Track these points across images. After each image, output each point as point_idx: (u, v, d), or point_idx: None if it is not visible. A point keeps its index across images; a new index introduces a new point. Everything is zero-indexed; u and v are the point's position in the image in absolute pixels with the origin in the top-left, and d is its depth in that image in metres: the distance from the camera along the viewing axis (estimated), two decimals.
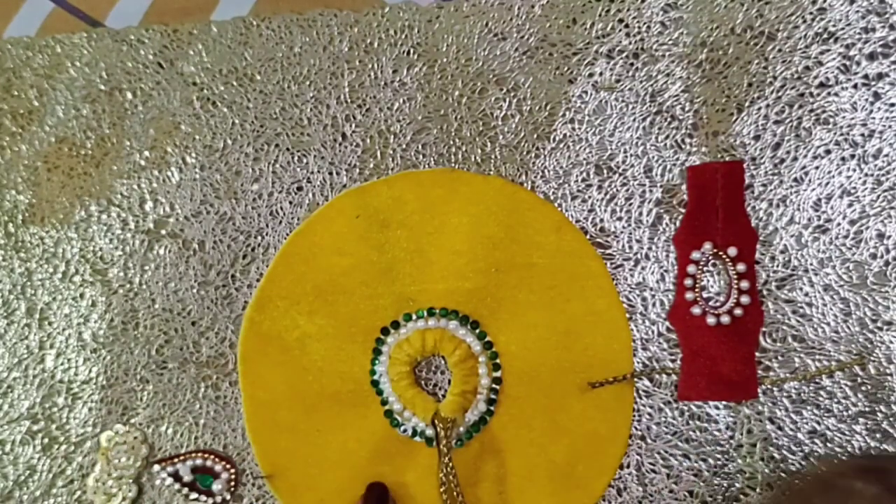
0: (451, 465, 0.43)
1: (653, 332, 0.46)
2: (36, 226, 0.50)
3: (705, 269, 0.46)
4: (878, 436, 0.44)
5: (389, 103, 0.48)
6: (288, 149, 0.49)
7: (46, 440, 0.48)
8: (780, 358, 0.45)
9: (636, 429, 0.45)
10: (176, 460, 0.47)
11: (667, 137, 0.47)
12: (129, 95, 0.50)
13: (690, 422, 0.45)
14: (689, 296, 0.46)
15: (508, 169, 0.47)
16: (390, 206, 0.46)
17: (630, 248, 0.46)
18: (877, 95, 0.45)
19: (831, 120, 0.45)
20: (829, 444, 0.44)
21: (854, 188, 0.45)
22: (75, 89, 0.50)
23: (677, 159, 0.46)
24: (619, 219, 0.47)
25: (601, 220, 0.47)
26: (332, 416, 0.46)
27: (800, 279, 0.45)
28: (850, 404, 0.44)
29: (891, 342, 0.44)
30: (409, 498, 0.45)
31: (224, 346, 0.48)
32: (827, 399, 0.44)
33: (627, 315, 0.46)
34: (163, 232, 0.49)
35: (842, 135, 0.45)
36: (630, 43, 0.47)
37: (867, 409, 0.44)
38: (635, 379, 0.45)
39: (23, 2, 0.52)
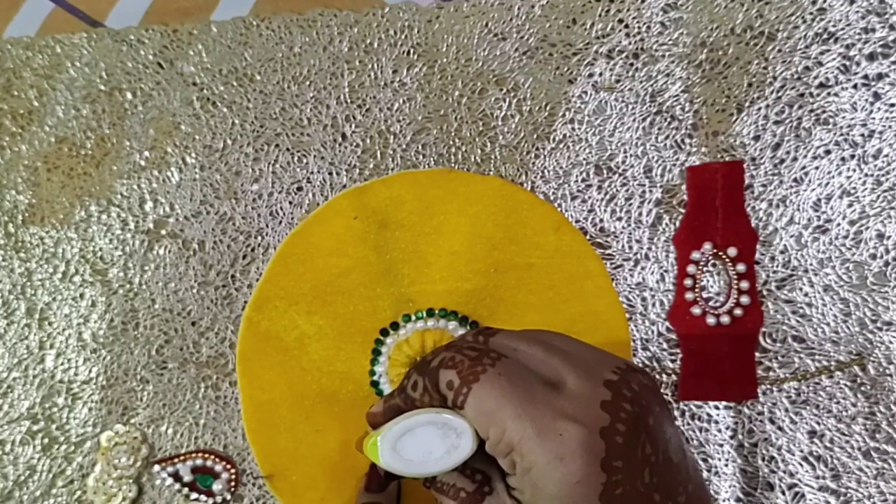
0: None
1: (653, 332, 0.46)
2: (36, 226, 0.50)
3: (705, 269, 0.46)
4: (877, 436, 0.44)
5: (389, 103, 0.48)
6: (288, 149, 0.49)
7: (46, 440, 0.48)
8: (780, 358, 0.45)
9: None
10: (176, 460, 0.47)
11: (667, 137, 0.47)
12: (129, 95, 0.50)
13: (690, 422, 0.45)
14: (689, 296, 0.46)
15: (508, 169, 0.47)
16: (388, 207, 0.46)
17: (630, 248, 0.46)
18: (877, 95, 0.45)
19: (831, 120, 0.45)
20: (828, 444, 0.44)
21: (854, 188, 0.45)
22: (75, 89, 0.50)
23: (677, 159, 0.46)
24: (619, 219, 0.47)
25: (601, 221, 0.47)
26: (332, 417, 0.46)
27: (800, 279, 0.45)
28: (849, 404, 0.44)
29: (891, 342, 0.44)
30: (410, 496, 0.45)
31: (224, 346, 0.48)
32: (827, 399, 0.44)
33: (627, 315, 0.46)
34: (163, 232, 0.49)
35: (842, 135, 0.45)
36: (630, 43, 0.47)
37: (867, 409, 0.44)
38: None
39: (23, 2, 0.52)
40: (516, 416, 0.29)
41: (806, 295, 0.45)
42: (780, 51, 0.46)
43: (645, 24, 0.47)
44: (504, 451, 0.30)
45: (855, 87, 0.46)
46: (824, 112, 0.46)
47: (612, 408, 0.30)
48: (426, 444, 0.32)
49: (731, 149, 0.46)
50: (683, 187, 0.46)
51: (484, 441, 0.31)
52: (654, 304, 0.46)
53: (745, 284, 0.45)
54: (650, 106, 0.47)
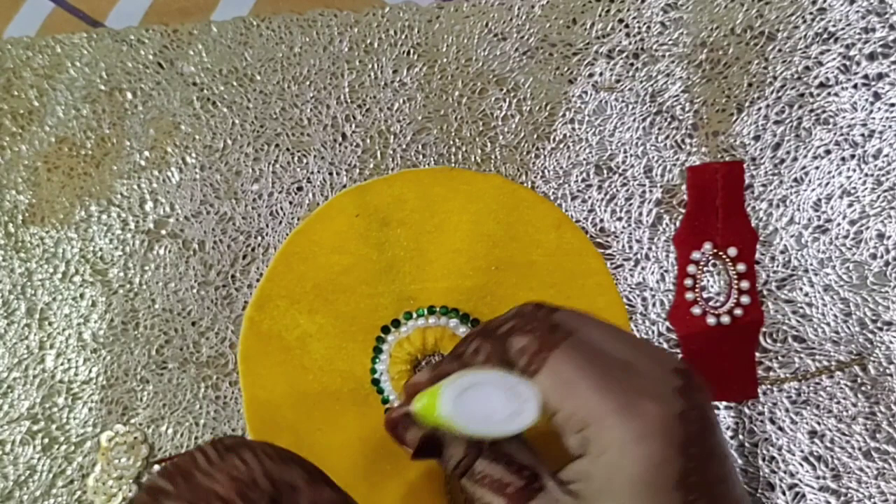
0: None
1: (653, 332, 0.46)
2: (36, 226, 0.50)
3: (705, 269, 0.46)
4: (878, 436, 0.44)
5: (389, 103, 0.48)
6: (288, 149, 0.49)
7: (46, 440, 0.48)
8: (780, 358, 0.45)
9: None
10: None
11: (667, 137, 0.47)
12: (129, 95, 0.50)
13: None
14: (689, 296, 0.46)
15: (508, 169, 0.47)
16: (390, 205, 0.46)
17: (630, 248, 0.46)
18: (877, 95, 0.45)
19: (831, 120, 0.46)
20: (829, 444, 0.44)
21: (854, 188, 0.45)
22: (75, 89, 0.50)
23: (677, 159, 0.46)
24: (619, 219, 0.47)
25: (601, 221, 0.47)
26: (333, 415, 0.46)
27: (800, 279, 0.45)
28: (850, 404, 0.44)
29: (891, 342, 0.44)
30: (412, 496, 0.45)
31: (224, 346, 0.48)
32: (827, 399, 0.44)
33: (627, 315, 0.46)
34: (163, 232, 0.49)
35: (842, 135, 0.45)
36: (630, 43, 0.47)
37: (867, 409, 0.44)
38: None
39: (23, 2, 0.52)
40: (597, 389, 0.28)
41: (806, 295, 0.45)
42: (780, 51, 0.46)
43: (645, 24, 0.47)
44: (576, 427, 0.28)
45: (855, 86, 0.46)
46: (824, 112, 0.46)
47: (685, 395, 0.29)
48: (487, 405, 0.30)
49: (731, 149, 0.46)
50: (683, 187, 0.46)
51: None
52: (654, 304, 0.46)
53: (745, 284, 0.45)
54: (650, 106, 0.47)
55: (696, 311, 0.45)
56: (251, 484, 0.28)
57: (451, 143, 0.48)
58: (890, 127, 0.45)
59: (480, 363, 0.31)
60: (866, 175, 0.45)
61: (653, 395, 0.28)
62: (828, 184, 0.45)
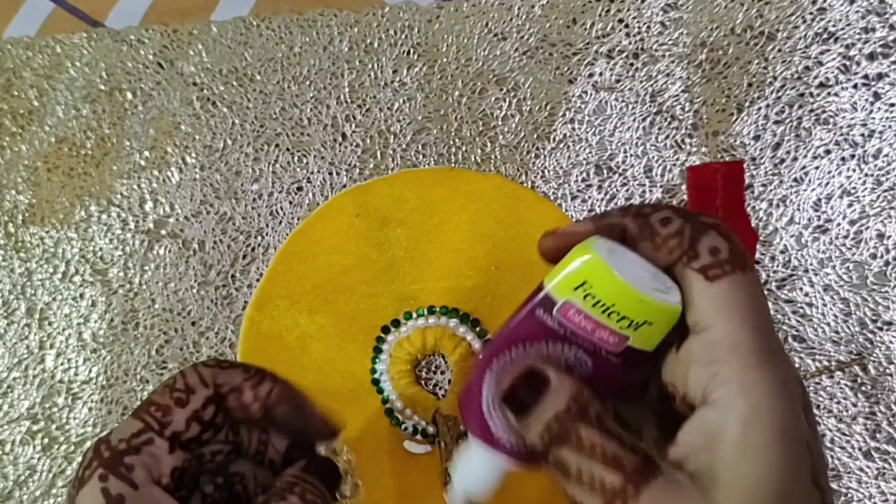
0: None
1: None
2: (36, 226, 0.50)
3: None
4: (878, 436, 0.44)
5: (389, 103, 0.48)
6: (288, 149, 0.49)
7: (46, 440, 0.48)
8: None
9: None
10: None
11: (667, 137, 0.47)
12: (129, 95, 0.50)
13: None
14: None
15: (508, 169, 0.47)
16: (390, 205, 0.46)
17: None
18: (877, 95, 0.45)
19: (831, 120, 0.46)
20: (829, 444, 0.44)
21: (854, 188, 0.45)
22: (75, 89, 0.50)
23: (677, 159, 0.46)
24: None
25: None
26: (333, 415, 0.46)
27: (800, 279, 0.45)
28: (850, 404, 0.44)
29: (891, 342, 0.44)
30: (412, 496, 0.45)
31: (224, 346, 0.48)
32: (827, 399, 0.44)
33: None
34: (163, 232, 0.49)
35: (842, 135, 0.45)
36: (630, 43, 0.47)
37: (867, 409, 0.44)
38: None
39: (23, 2, 0.52)
40: (756, 327, 0.26)
41: (806, 295, 0.45)
42: (780, 51, 0.46)
43: (645, 24, 0.47)
44: (715, 354, 0.26)
45: (855, 86, 0.46)
46: (824, 112, 0.46)
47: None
48: (637, 270, 0.27)
49: (731, 149, 0.46)
50: (683, 187, 0.46)
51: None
52: None
53: None
54: (650, 106, 0.47)
55: None
56: (187, 390, 0.31)
57: (451, 142, 0.48)
58: (890, 127, 0.45)
59: (662, 234, 0.28)
60: (866, 175, 0.45)
61: (786, 357, 0.27)
62: (828, 184, 0.45)
